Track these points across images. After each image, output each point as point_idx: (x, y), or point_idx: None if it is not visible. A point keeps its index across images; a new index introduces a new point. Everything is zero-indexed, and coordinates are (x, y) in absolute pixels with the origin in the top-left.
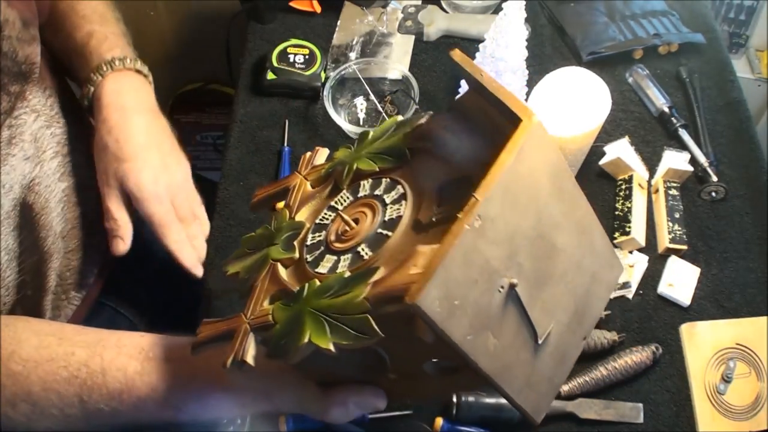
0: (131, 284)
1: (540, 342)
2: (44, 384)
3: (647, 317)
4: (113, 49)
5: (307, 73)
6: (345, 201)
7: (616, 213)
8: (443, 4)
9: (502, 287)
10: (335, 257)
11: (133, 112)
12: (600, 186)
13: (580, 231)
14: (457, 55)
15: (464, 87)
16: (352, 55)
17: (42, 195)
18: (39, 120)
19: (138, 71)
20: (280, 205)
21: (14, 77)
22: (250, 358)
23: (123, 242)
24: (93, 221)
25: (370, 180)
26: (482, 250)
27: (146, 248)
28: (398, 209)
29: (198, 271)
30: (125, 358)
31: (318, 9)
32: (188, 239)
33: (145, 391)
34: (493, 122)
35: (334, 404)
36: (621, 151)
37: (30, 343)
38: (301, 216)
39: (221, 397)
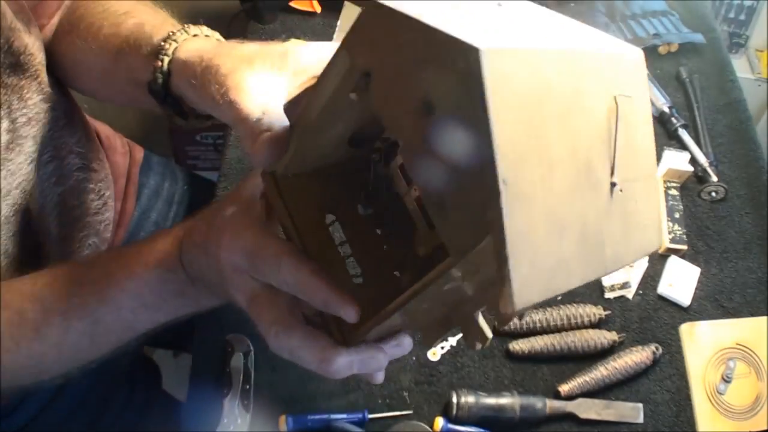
0: None
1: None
2: (37, 292)
3: (647, 317)
4: (176, 25)
5: None
6: None
7: None
8: None
9: None
10: None
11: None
12: None
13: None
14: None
15: None
16: None
17: (38, 200)
18: (38, 124)
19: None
20: None
21: (10, 69)
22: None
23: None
24: (89, 225)
25: None
26: None
27: None
28: None
29: None
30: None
31: (318, 9)
32: None
33: (144, 248)
34: None
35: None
36: None
37: (30, 277)
38: None
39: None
